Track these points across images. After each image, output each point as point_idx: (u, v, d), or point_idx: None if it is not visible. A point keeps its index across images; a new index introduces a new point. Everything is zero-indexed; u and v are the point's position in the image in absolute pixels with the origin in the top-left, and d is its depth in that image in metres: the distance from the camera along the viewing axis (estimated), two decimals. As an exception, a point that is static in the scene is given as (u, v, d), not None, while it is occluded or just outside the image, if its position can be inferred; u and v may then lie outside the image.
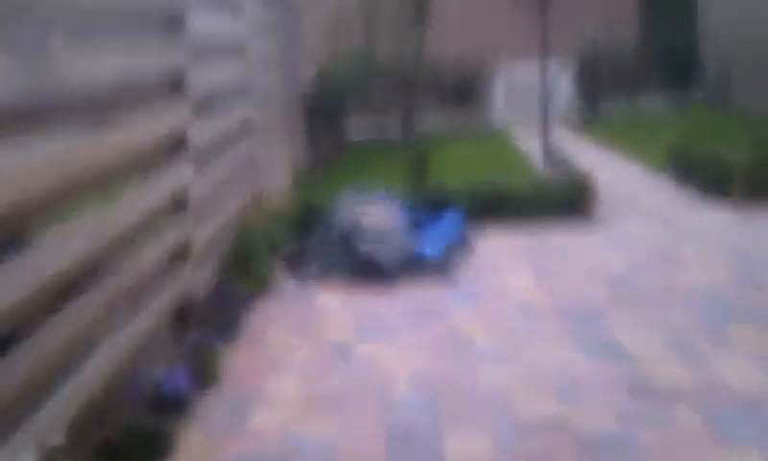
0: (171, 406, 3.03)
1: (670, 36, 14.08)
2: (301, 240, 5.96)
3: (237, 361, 4.13)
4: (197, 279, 4.23)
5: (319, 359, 4.22)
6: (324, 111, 11.60)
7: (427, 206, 6.56)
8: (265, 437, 3.29)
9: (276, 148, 7.37)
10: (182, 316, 3.89)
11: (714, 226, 6.40)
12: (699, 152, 7.77)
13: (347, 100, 12.39)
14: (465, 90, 14.07)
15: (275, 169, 7.20)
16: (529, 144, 11.60)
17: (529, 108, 14.19)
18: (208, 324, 4.13)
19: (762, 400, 3.42)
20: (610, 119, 13.39)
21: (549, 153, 7.89)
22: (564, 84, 13.81)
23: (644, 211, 7.14)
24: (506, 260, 5.95)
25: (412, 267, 5.57)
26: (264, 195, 6.53)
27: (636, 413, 3.38)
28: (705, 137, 10.26)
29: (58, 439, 2.20)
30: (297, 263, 5.68)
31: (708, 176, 7.42)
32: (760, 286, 4.89)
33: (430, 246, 5.76)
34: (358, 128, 13.73)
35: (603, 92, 14.10)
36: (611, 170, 9.34)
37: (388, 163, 10.71)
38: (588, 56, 13.93)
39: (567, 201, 6.90)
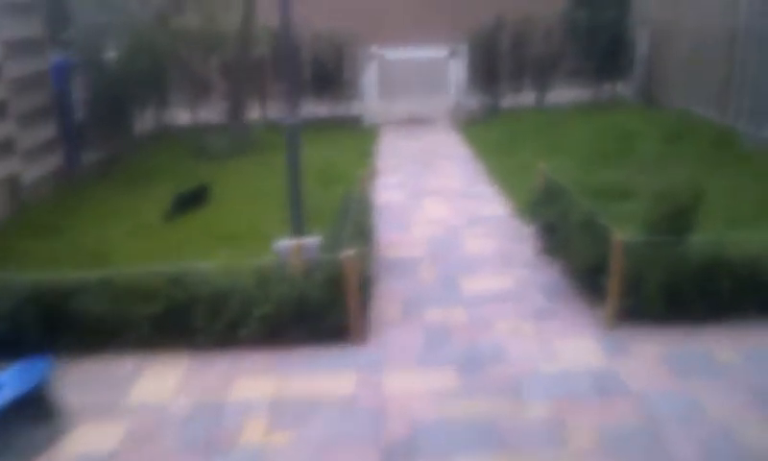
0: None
1: (596, 20, 10.87)
2: None
3: None
4: None
5: None
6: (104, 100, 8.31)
7: None
8: None
9: None
10: None
11: (548, 381, 3.36)
12: (577, 210, 4.62)
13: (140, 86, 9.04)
14: (330, 76, 10.78)
15: None
16: (394, 150, 8.50)
17: (407, 100, 11.13)
18: None
19: None
20: (512, 114, 10.28)
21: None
22: (455, 73, 10.64)
23: (451, 323, 4.03)
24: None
25: None
26: None
27: None
28: (605, 166, 7.19)
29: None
30: None
31: (578, 256, 4.33)
32: None
33: None
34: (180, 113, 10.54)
35: (505, 82, 10.94)
36: (461, 210, 6.23)
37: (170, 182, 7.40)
38: (487, 39, 10.74)
39: (308, 306, 3.78)
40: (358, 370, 3.55)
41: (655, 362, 3.47)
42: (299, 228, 4.15)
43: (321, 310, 3.79)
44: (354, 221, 4.58)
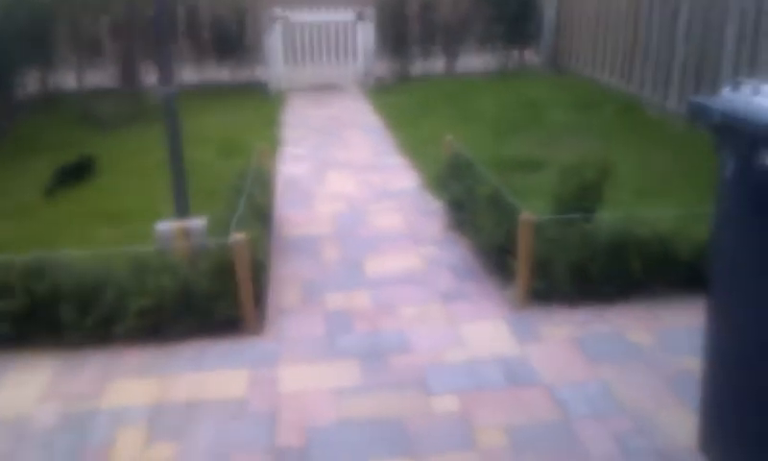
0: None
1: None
2: None
3: None
4: None
5: None
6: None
7: None
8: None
9: None
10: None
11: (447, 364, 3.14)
12: (484, 185, 4.40)
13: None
14: (232, 39, 10.21)
15: None
16: (301, 118, 7.96)
17: (314, 66, 10.70)
18: None
19: None
20: (422, 81, 10.05)
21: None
22: (364, 37, 10.24)
23: (354, 309, 3.74)
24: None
25: None
26: None
27: None
28: (514, 136, 7.06)
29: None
30: None
31: (486, 233, 4.12)
32: None
33: None
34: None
35: (414, 47, 10.67)
36: (368, 183, 5.93)
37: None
38: (395, 3, 10.42)
39: (194, 297, 3.41)
40: (251, 366, 3.22)
41: (566, 346, 3.31)
42: (183, 208, 3.74)
43: (209, 301, 3.43)
44: (249, 199, 4.22)
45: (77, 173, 6.02)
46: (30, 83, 9.09)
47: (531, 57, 11.05)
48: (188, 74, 10.03)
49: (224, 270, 3.42)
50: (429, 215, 5.11)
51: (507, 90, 9.16)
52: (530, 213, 3.62)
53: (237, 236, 3.39)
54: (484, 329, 3.48)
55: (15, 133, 7.65)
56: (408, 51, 10.55)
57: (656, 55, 7.84)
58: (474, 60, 10.79)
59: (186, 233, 3.59)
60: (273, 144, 7.21)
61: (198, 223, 3.67)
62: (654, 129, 7.12)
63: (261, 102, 9.34)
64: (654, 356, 3.21)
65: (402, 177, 6.09)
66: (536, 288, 3.69)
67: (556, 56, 10.82)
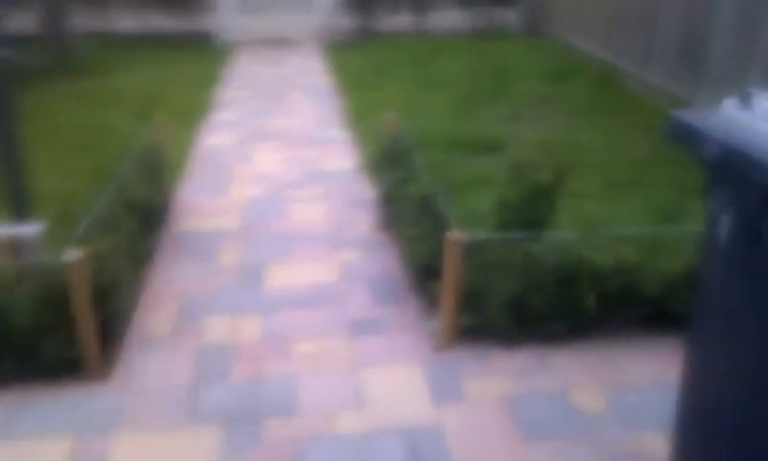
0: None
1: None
2: None
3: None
4: None
5: None
6: None
7: None
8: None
9: None
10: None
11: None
12: (416, 181, 3.58)
13: None
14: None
15: None
16: (245, 77, 6.98)
17: (270, 17, 9.73)
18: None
19: None
20: (387, 40, 9.14)
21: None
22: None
23: (237, 343, 2.96)
24: None
25: None
26: None
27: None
28: (478, 107, 6.23)
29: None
30: None
31: (412, 246, 3.34)
32: None
33: None
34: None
35: (380, 2, 9.71)
36: (300, 161, 5.12)
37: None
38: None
39: (16, 330, 2.61)
40: (78, 432, 2.44)
41: (495, 411, 2.56)
42: (20, 210, 2.91)
43: (34, 337, 2.63)
44: (123, 190, 3.39)
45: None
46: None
47: (510, 17, 10.12)
48: (126, 21, 9.03)
49: (55, 296, 2.61)
50: (360, 207, 4.31)
51: (478, 54, 8.29)
52: (460, 231, 2.83)
53: (72, 253, 2.58)
54: (393, 380, 2.72)
55: None
56: (373, 5, 9.59)
57: (638, 21, 6.98)
58: (447, 18, 9.86)
59: (14, 246, 2.76)
60: (202, 108, 6.35)
61: (31, 230, 2.84)
62: (632, 105, 6.33)
63: (204, 56, 8.42)
64: (604, 428, 2.47)
65: (340, 155, 5.27)
66: (465, 324, 2.92)
67: (536, 17, 9.90)
